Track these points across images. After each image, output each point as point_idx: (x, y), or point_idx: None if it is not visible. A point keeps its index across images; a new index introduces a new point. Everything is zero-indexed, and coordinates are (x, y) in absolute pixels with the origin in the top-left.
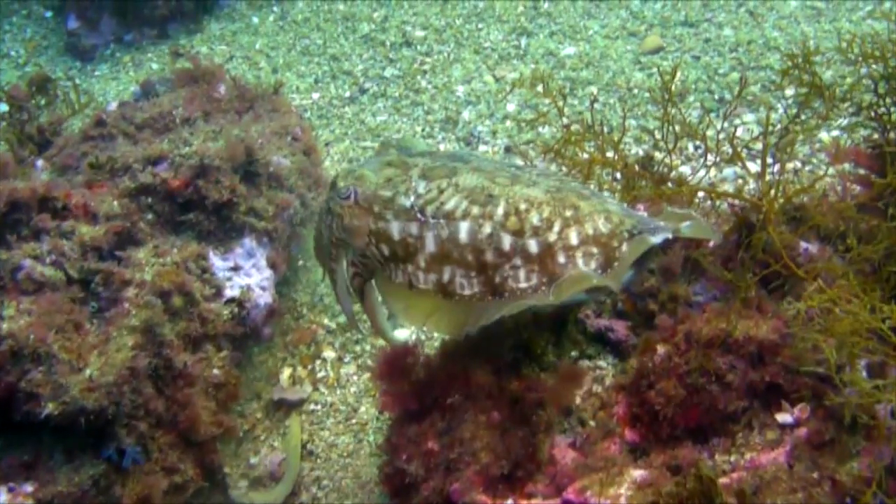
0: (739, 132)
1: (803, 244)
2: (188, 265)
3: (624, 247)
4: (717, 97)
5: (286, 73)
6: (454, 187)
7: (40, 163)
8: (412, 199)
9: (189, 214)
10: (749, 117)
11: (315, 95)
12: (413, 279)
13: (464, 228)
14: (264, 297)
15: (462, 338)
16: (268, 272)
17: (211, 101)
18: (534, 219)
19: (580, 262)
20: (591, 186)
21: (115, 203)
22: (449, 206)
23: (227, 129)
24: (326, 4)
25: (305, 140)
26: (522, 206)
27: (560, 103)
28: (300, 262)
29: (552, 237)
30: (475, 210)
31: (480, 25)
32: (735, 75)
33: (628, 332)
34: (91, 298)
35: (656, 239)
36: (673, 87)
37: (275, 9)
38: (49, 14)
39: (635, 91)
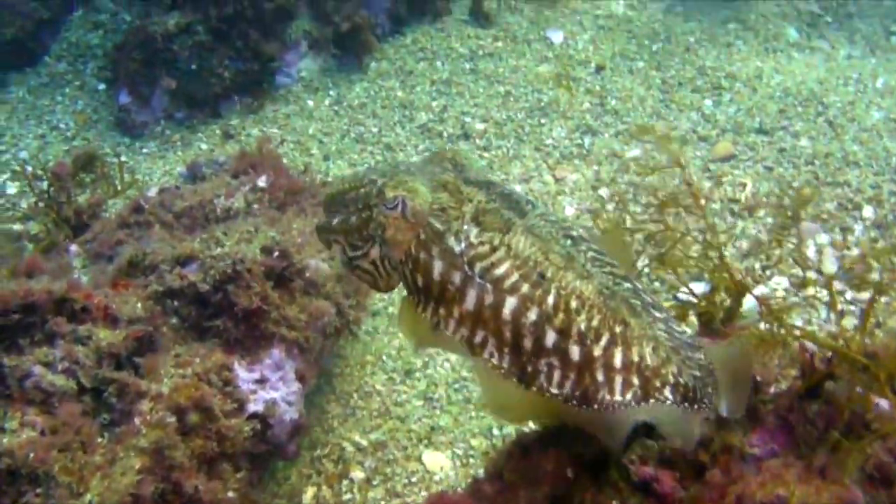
0: (810, 253)
1: (875, 398)
2: (210, 377)
3: (667, 392)
4: (789, 213)
5: (338, 161)
6: (506, 249)
7: (74, 248)
8: (463, 245)
9: (216, 321)
10: (823, 238)
11: None
12: (442, 324)
13: (509, 304)
14: (290, 413)
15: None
16: (296, 385)
17: (254, 192)
18: (582, 324)
19: (617, 387)
20: (643, 295)
21: (139, 305)
22: (499, 271)
23: (263, 231)
24: (384, 91)
25: None
26: (573, 305)
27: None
28: (336, 370)
29: (597, 351)
30: (525, 289)
31: (543, 121)
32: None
33: (675, 483)
34: (103, 409)
35: (697, 420)
36: (742, 199)
37: (331, 92)
38: (102, 87)
39: (702, 201)
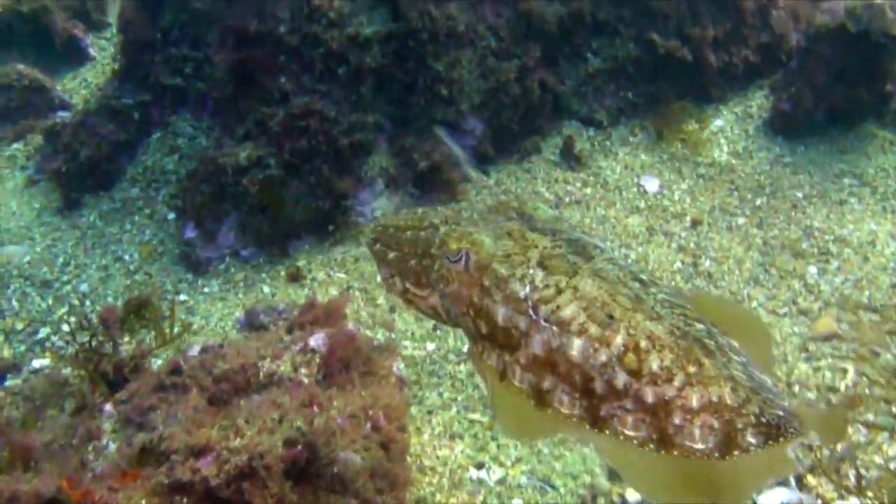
0: None
1: None
2: None
3: (749, 436)
4: (895, 410)
5: (403, 314)
6: (572, 291)
7: (108, 408)
8: (527, 289)
9: None
10: None
11: (430, 346)
12: (509, 371)
13: (577, 346)
14: None
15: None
16: None
17: (304, 353)
18: (653, 364)
19: (696, 431)
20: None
21: (143, 502)
22: (565, 313)
23: (289, 420)
24: None
25: (387, 430)
26: (643, 344)
27: None
28: None
29: (670, 392)
30: (593, 329)
31: None
32: None
33: None
34: None
35: (792, 450)
36: (842, 389)
37: None
38: (172, 216)
39: (796, 388)
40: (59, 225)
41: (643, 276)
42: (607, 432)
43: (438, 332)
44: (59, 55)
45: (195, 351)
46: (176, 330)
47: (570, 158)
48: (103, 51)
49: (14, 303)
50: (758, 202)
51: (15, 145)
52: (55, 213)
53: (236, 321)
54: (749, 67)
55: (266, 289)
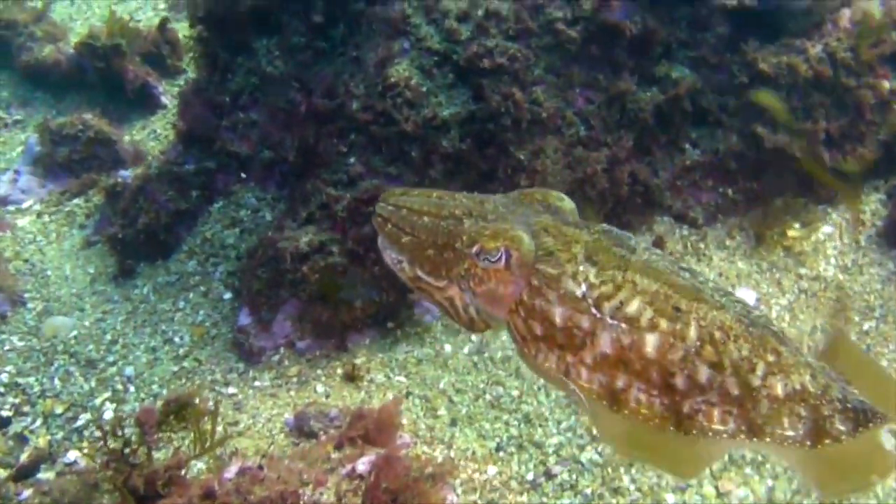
0: None
1: None
2: None
3: (838, 423)
4: None
5: (465, 429)
6: (631, 286)
7: None
8: (583, 287)
9: None
10: None
11: (491, 469)
12: (572, 371)
13: (651, 342)
14: None
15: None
16: None
17: (351, 478)
18: (733, 354)
19: (785, 420)
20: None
21: None
22: (631, 309)
23: None
24: None
25: None
26: (717, 335)
27: None
28: None
29: (755, 381)
30: (664, 324)
31: None
32: None
33: None
34: None
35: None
36: None
37: (473, 338)
38: (228, 296)
39: None
40: (112, 295)
41: (685, 266)
42: (694, 431)
43: (502, 453)
44: (129, 102)
45: (232, 472)
46: (218, 433)
47: None
48: (175, 99)
49: (56, 382)
50: (865, 326)
51: (76, 200)
52: (109, 281)
53: (285, 423)
54: (864, 166)
55: (320, 388)
